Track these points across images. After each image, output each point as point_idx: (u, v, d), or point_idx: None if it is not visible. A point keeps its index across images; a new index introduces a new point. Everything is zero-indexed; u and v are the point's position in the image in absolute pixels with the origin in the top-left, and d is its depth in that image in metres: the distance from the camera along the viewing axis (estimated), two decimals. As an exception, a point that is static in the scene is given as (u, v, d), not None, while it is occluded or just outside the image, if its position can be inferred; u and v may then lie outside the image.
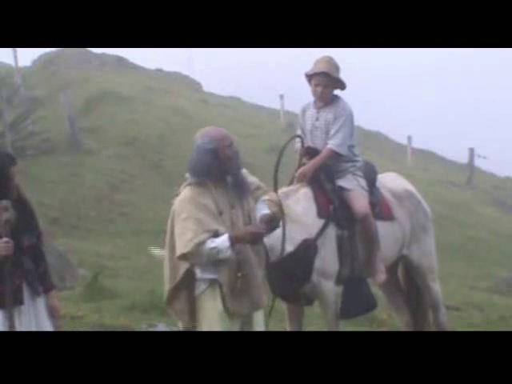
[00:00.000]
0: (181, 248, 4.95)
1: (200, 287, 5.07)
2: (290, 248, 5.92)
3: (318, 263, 6.07)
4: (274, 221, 5.20)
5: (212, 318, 5.03)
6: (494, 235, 19.36)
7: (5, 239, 5.06)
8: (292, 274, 5.89)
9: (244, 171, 5.45)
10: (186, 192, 5.08)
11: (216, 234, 4.95)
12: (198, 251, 4.90)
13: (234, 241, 4.94)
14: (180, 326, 5.27)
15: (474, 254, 17.46)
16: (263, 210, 5.23)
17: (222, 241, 4.92)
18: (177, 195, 5.15)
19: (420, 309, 6.98)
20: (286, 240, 5.65)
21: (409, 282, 7.02)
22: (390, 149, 28.51)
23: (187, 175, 5.13)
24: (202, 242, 4.88)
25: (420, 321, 6.97)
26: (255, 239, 5.02)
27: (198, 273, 5.06)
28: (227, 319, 5.02)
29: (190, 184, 5.08)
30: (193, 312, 5.10)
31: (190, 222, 4.93)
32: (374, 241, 6.33)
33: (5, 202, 5.10)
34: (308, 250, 6.01)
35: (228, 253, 4.93)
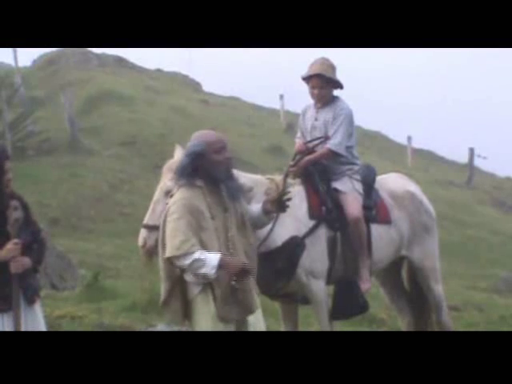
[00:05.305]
0: (171, 250, 4.86)
1: (193, 291, 4.99)
2: (278, 243, 5.94)
3: (307, 263, 6.07)
4: (277, 201, 5.14)
5: (205, 322, 4.96)
6: (494, 235, 19.38)
7: (14, 240, 5.05)
8: (276, 269, 5.88)
9: (235, 172, 5.41)
10: (179, 193, 5.00)
11: (202, 241, 4.87)
12: (185, 256, 4.81)
13: (222, 264, 4.82)
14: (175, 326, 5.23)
15: (473, 253, 17.47)
16: (255, 208, 5.22)
17: (211, 259, 4.81)
18: (171, 196, 5.11)
19: (423, 310, 6.96)
20: (275, 235, 5.76)
21: (412, 283, 7.01)
22: (390, 149, 28.52)
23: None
24: (192, 251, 4.80)
25: (422, 322, 6.96)
26: (244, 274, 4.89)
27: (190, 276, 4.98)
28: (221, 324, 4.95)
29: (183, 185, 5.01)
30: (186, 313, 5.05)
31: (182, 223, 4.86)
32: (363, 246, 6.30)
33: (14, 202, 5.11)
34: (295, 247, 6.00)
35: (211, 272, 4.80)
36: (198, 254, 4.81)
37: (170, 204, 5.03)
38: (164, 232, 4.99)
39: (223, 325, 4.95)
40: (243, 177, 5.79)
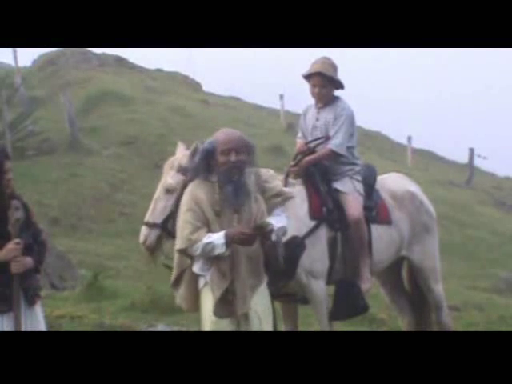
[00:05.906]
0: (181, 242, 5.03)
1: (200, 283, 5.12)
2: None
3: (307, 263, 6.06)
4: (262, 227, 5.05)
5: (207, 316, 5.07)
6: (494, 235, 19.37)
7: (16, 240, 5.04)
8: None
9: (271, 173, 5.36)
10: (190, 186, 5.17)
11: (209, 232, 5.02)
12: (195, 245, 4.95)
13: (229, 238, 4.91)
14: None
15: (473, 253, 17.47)
16: (272, 219, 5.17)
17: (218, 237, 4.93)
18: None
19: (423, 310, 6.95)
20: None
21: (412, 283, 7.00)
22: (390, 149, 28.53)
23: None
24: (200, 239, 4.93)
25: (423, 322, 6.96)
26: (245, 240, 4.93)
27: (197, 269, 5.10)
28: (218, 319, 5.01)
29: (197, 179, 5.16)
30: (194, 300, 5.19)
31: (190, 215, 5.01)
32: (363, 247, 6.30)
33: (15, 202, 5.10)
34: (295, 247, 5.99)
35: (223, 249, 4.92)
36: (206, 239, 4.94)
37: (183, 197, 5.19)
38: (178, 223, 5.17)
39: (220, 320, 5.01)
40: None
